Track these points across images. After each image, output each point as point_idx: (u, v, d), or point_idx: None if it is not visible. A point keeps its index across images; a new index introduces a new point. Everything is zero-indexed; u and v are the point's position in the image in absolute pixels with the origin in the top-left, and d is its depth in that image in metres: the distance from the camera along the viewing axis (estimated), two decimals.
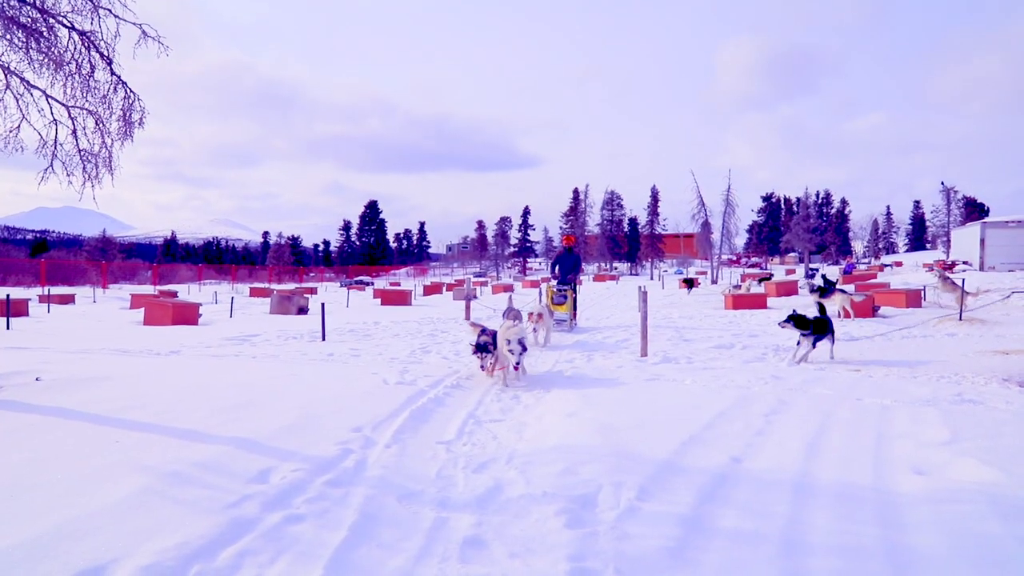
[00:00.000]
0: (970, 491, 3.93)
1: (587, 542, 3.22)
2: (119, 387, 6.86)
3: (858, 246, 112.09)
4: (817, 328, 9.44)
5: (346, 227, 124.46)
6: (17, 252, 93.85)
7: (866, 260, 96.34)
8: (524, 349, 7.46)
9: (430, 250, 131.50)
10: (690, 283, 32.14)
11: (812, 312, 9.88)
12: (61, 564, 2.91)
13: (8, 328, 14.87)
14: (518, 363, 7.39)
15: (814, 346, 9.38)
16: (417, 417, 5.87)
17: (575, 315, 15.33)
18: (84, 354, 9.75)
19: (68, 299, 29.82)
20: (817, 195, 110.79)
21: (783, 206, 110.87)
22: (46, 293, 30.72)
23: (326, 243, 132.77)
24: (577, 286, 16.18)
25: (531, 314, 11.46)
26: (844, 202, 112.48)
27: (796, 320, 9.35)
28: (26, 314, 19.89)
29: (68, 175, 7.43)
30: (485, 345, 7.81)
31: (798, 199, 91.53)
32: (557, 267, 15.54)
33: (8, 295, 17.58)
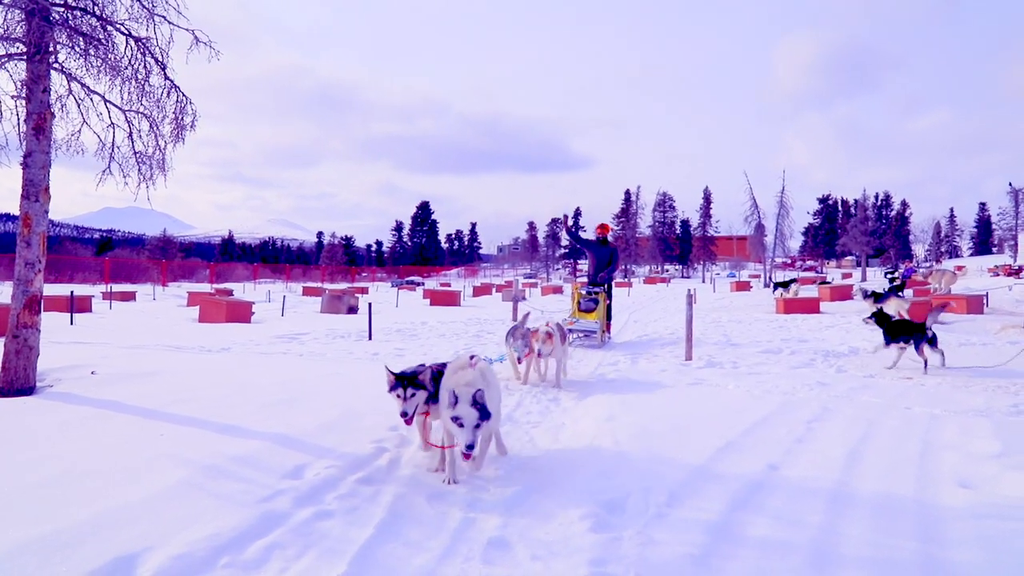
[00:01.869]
0: (1018, 507, 3.78)
1: (610, 547, 3.20)
2: (169, 382, 7.07)
3: (919, 250, 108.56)
4: (899, 329, 9.20)
5: (398, 227, 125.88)
6: (84, 250, 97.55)
7: (927, 264, 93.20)
8: (483, 419, 4.00)
9: (481, 251, 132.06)
10: (785, 285, 29.36)
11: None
12: (99, 550, 3.02)
13: (72, 324, 15.47)
14: (470, 446, 3.93)
15: (903, 347, 9.10)
16: None
17: (608, 326, 12.46)
18: (139, 350, 10.08)
19: (129, 296, 30.87)
20: (876, 197, 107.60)
21: (840, 208, 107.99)
22: (109, 290, 31.84)
23: (378, 243, 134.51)
24: (612, 287, 12.69)
25: (535, 331, 7.72)
26: (904, 204, 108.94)
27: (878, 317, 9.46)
28: (89, 310, 20.65)
29: (124, 176, 7.69)
30: (411, 392, 4.38)
31: (856, 201, 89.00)
32: (587, 263, 13.02)
33: (72, 292, 18.31)
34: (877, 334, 9.92)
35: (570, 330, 10.93)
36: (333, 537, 3.32)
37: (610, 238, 13.14)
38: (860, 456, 4.79)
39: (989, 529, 3.48)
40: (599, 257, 12.58)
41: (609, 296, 12.38)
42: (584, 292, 12.32)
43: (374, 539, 3.30)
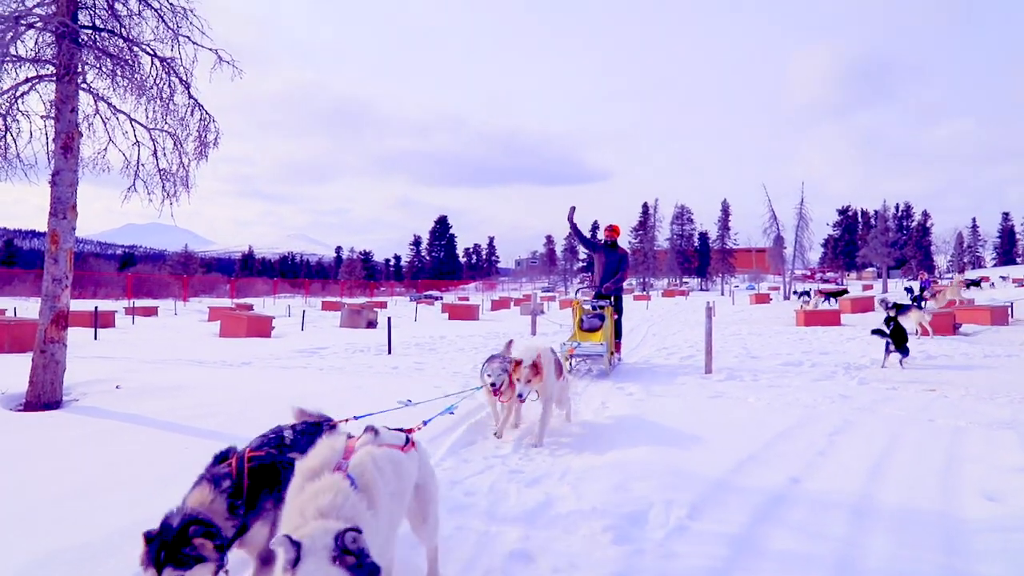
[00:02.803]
0: None
1: (632, 559, 3.20)
2: (191, 396, 7.15)
3: (941, 260, 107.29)
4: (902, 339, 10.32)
5: (416, 242, 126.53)
6: (107, 266, 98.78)
7: (949, 275, 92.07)
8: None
9: (499, 265, 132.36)
10: (834, 295, 28.62)
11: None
12: (128, 562, 3.07)
13: (96, 338, 15.67)
14: None
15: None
16: (475, 430, 5.94)
17: (618, 346, 10.72)
18: (162, 364, 10.20)
19: (151, 311, 31.24)
20: (896, 208, 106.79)
21: (860, 219, 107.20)
22: (131, 305, 32.23)
23: (397, 258, 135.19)
24: (621, 299, 10.87)
25: (517, 364, 5.71)
26: (926, 214, 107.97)
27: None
28: (113, 325, 20.90)
29: (149, 193, 7.83)
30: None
31: (876, 212, 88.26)
32: (592, 271, 11.22)
33: (96, 307, 18.55)
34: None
35: (582, 351, 9.52)
36: None
37: (621, 243, 11.29)
38: (883, 469, 4.76)
39: (1015, 542, 3.45)
40: (607, 263, 10.83)
41: (618, 310, 10.68)
42: (588, 307, 10.44)
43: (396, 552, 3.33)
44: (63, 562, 3.04)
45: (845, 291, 33.87)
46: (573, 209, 10.79)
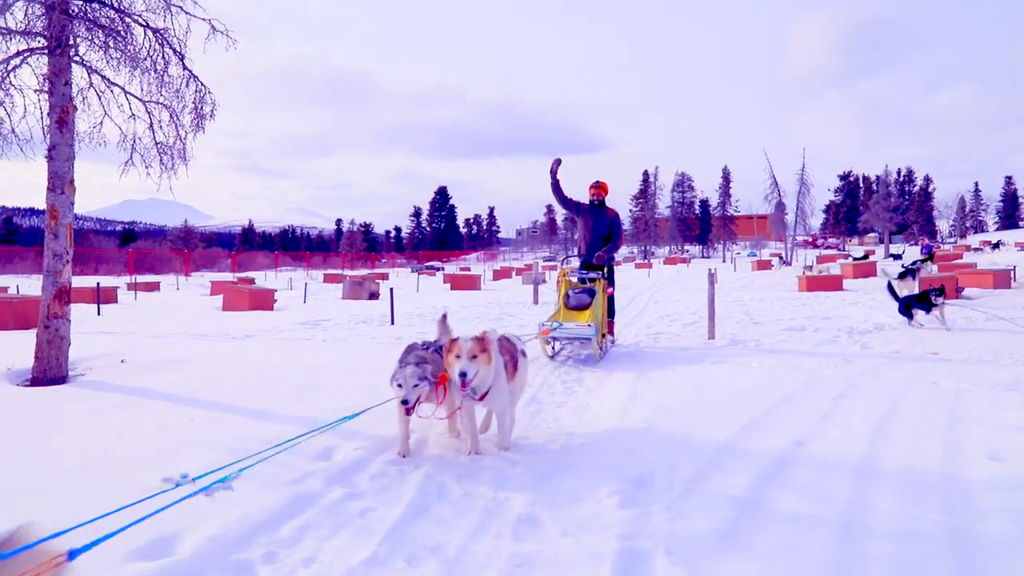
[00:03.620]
0: None
1: (639, 522, 3.22)
2: (196, 369, 7.17)
3: (943, 225, 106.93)
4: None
5: (416, 213, 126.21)
6: (107, 242, 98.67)
7: (951, 240, 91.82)
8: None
9: (500, 235, 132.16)
10: (911, 273, 26.61)
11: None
12: (137, 533, 3.08)
13: (99, 314, 15.70)
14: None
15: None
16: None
17: (611, 326, 9.20)
18: (166, 338, 10.22)
19: (153, 287, 31.29)
20: (898, 173, 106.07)
21: (862, 185, 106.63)
22: (133, 281, 32.26)
23: (397, 229, 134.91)
24: (613, 271, 9.32)
25: (452, 344, 4.20)
26: (928, 180, 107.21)
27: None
28: (115, 301, 20.94)
29: (147, 167, 7.78)
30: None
31: (878, 177, 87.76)
32: (580, 237, 9.37)
33: (99, 283, 18.56)
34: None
35: (553, 338, 8.02)
36: (364, 516, 3.37)
37: (611, 204, 9.42)
38: (886, 431, 4.77)
39: (1019, 501, 3.46)
40: (595, 227, 9.09)
41: (611, 282, 9.04)
42: (574, 279, 8.83)
43: (405, 518, 3.35)
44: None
45: (931, 256, 29.64)
46: (558, 162, 9.14)
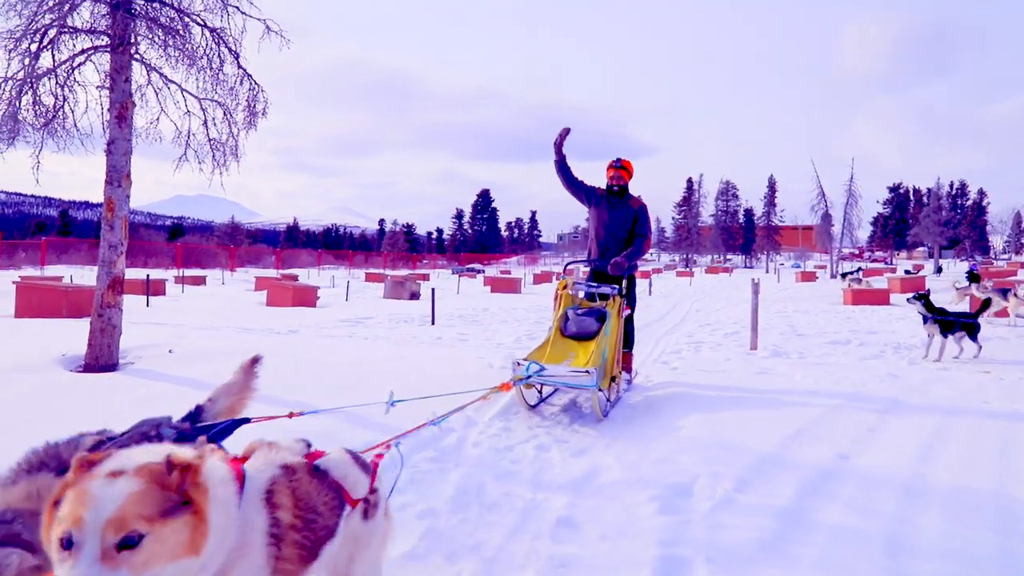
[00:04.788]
0: None
1: (679, 529, 3.20)
2: (241, 362, 7.30)
3: (997, 241, 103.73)
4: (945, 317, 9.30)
5: (459, 215, 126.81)
6: (157, 236, 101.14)
7: (1005, 256, 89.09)
8: None
9: (541, 239, 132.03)
10: (976, 278, 24.22)
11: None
12: None
13: (148, 306, 16.11)
14: None
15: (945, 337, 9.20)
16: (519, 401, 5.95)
17: (628, 361, 6.70)
18: (212, 331, 10.44)
19: (200, 280, 32.01)
20: (951, 185, 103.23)
21: (912, 197, 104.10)
22: (181, 275, 33.02)
23: (439, 231, 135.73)
24: (634, 284, 6.77)
25: (70, 484, 1.39)
26: (982, 193, 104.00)
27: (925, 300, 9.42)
28: (163, 293, 21.46)
29: (199, 163, 7.97)
30: None
31: (929, 190, 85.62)
32: (592, 235, 7.00)
33: (148, 276, 19.04)
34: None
35: (541, 381, 5.48)
36: (404, 513, 3.40)
37: (633, 191, 6.95)
38: (934, 449, 4.65)
39: None
40: (612, 221, 6.76)
41: (630, 300, 6.58)
42: (580, 295, 6.60)
43: (444, 516, 3.37)
44: None
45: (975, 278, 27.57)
46: (565, 132, 6.73)
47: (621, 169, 6.76)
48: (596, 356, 5.54)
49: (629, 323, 6.59)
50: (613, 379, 5.87)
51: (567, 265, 7.15)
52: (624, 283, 6.29)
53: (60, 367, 6.81)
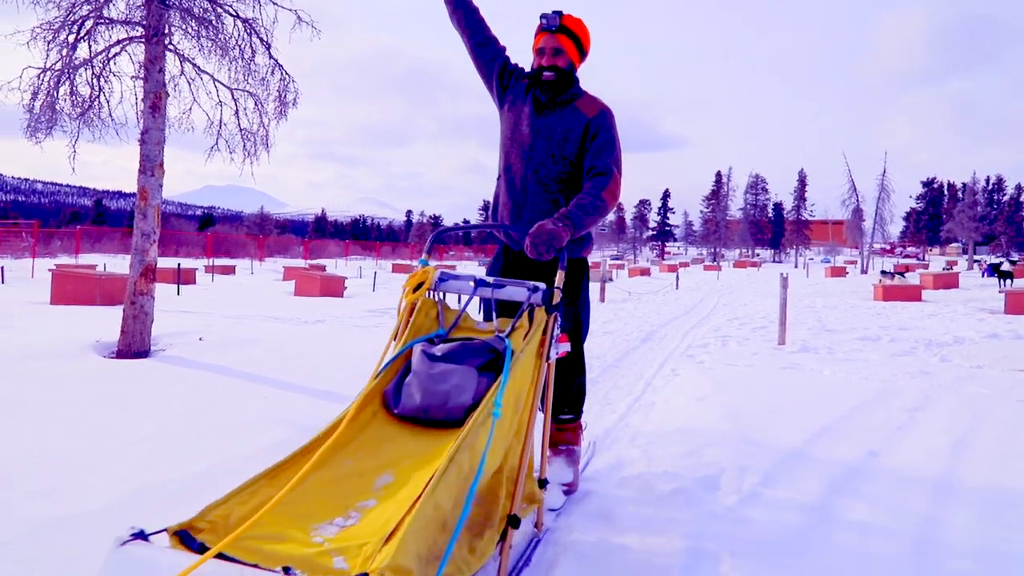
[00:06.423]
0: None
1: (705, 523, 3.18)
2: (269, 350, 7.40)
3: None
4: None
5: (486, 207, 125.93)
6: (187, 226, 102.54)
7: None
8: None
9: None
10: (1007, 276, 24.16)
11: None
12: (198, 504, 3.21)
13: (179, 294, 16.36)
14: None
15: None
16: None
17: (570, 439, 3.52)
18: (241, 319, 10.57)
19: (229, 270, 32.41)
20: (987, 180, 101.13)
21: (946, 192, 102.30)
22: (211, 264, 33.45)
23: (466, 222, 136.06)
24: (587, 272, 3.52)
25: None
26: (1019, 188, 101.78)
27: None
28: (194, 282, 21.77)
29: (231, 152, 8.08)
30: None
31: (964, 184, 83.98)
32: (500, 171, 3.49)
33: (179, 265, 19.32)
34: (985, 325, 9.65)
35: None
36: None
37: (592, 92, 3.50)
38: (967, 447, 4.57)
39: None
40: (535, 142, 3.36)
41: (583, 312, 3.51)
42: (461, 305, 2.95)
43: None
44: (149, 498, 3.20)
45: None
46: None
47: (560, 33, 3.29)
48: (430, 508, 1.72)
49: (572, 365, 3.45)
50: (505, 530, 2.32)
51: (436, 235, 3.32)
52: (559, 275, 2.81)
53: (93, 353, 6.94)
